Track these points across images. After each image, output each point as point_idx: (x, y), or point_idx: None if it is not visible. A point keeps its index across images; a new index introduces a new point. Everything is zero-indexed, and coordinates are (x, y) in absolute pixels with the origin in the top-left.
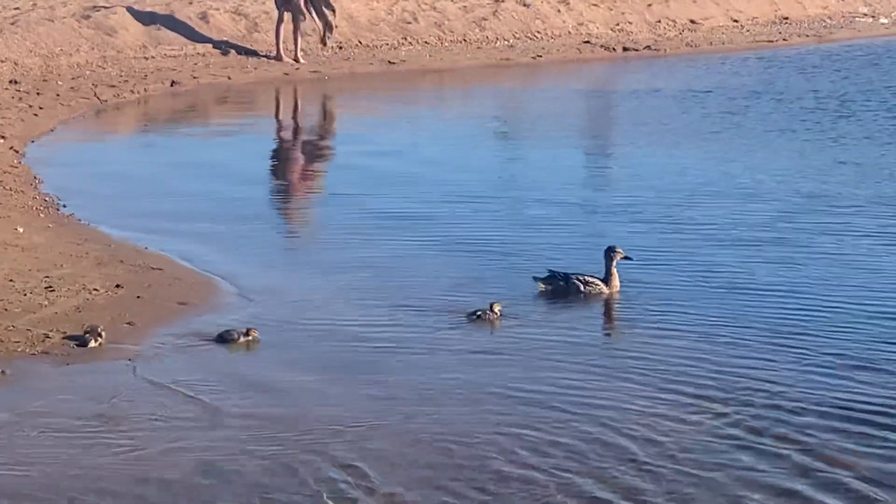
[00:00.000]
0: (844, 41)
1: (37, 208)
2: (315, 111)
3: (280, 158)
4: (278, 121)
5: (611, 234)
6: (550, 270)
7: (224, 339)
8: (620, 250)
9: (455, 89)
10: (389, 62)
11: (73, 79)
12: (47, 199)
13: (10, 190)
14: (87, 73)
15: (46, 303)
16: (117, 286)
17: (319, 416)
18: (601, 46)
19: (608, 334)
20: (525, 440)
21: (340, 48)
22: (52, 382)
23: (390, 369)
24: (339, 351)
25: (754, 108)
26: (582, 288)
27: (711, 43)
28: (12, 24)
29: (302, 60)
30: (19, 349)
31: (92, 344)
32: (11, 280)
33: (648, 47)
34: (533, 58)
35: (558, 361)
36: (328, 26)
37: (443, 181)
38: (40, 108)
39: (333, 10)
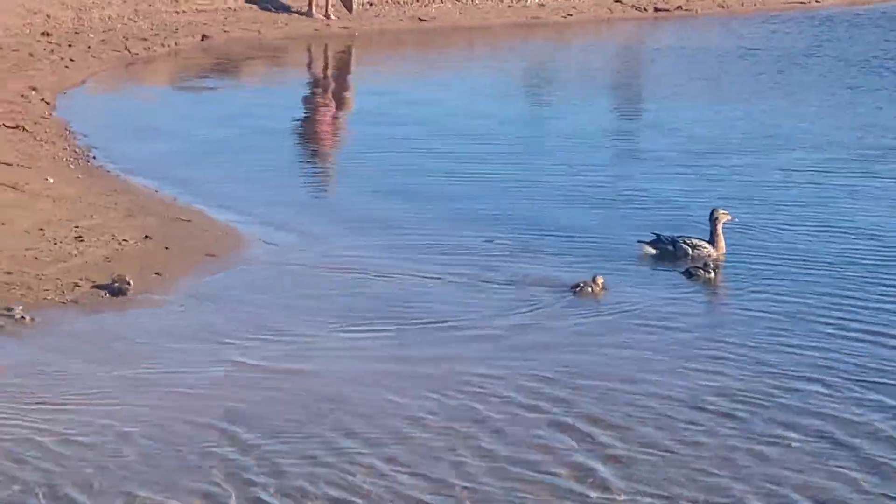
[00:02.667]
0: (880, 3)
1: (67, 159)
2: (345, 66)
3: (310, 114)
4: (309, 75)
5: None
6: (656, 234)
7: (576, 289)
8: (725, 212)
9: (492, 47)
10: (420, 19)
11: (104, 32)
12: (77, 150)
13: (41, 141)
14: (119, 26)
15: (76, 252)
16: (146, 237)
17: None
18: (632, 6)
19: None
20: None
21: (371, 4)
22: (82, 329)
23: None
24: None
25: (808, 67)
26: (690, 251)
27: (743, 4)
28: None
29: (333, 17)
30: (49, 297)
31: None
32: (41, 229)
33: (680, 7)
34: (563, 17)
35: None
36: None
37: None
38: (71, 60)
39: None
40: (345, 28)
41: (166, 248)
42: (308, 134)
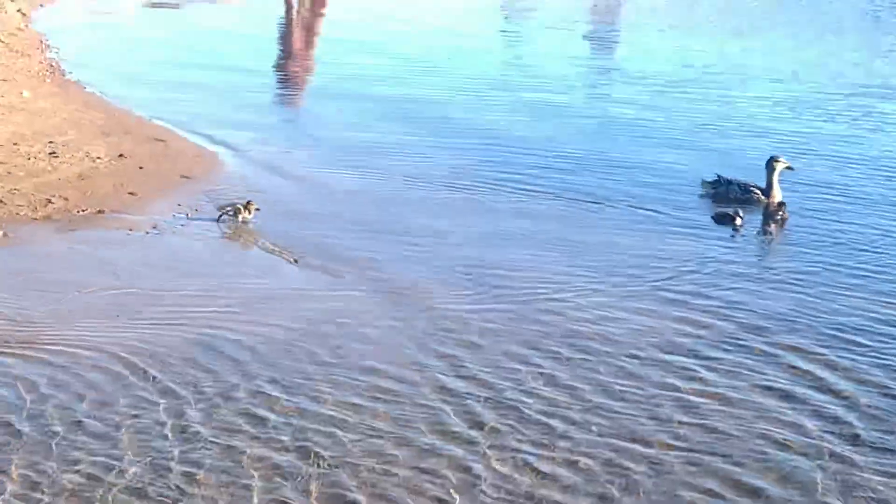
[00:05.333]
0: None
1: (43, 73)
2: None
3: (283, 35)
4: None
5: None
6: (718, 175)
7: (720, 219)
8: (783, 160)
9: None
10: None
11: None
12: (53, 64)
13: (17, 53)
14: None
15: (50, 168)
16: (120, 156)
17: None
18: None
19: None
20: None
21: None
22: (54, 247)
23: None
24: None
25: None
26: (740, 194)
27: None
28: None
29: None
30: (22, 213)
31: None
32: (16, 144)
33: None
34: None
35: None
36: None
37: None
38: None
39: None
40: None
41: (140, 167)
42: (282, 56)
